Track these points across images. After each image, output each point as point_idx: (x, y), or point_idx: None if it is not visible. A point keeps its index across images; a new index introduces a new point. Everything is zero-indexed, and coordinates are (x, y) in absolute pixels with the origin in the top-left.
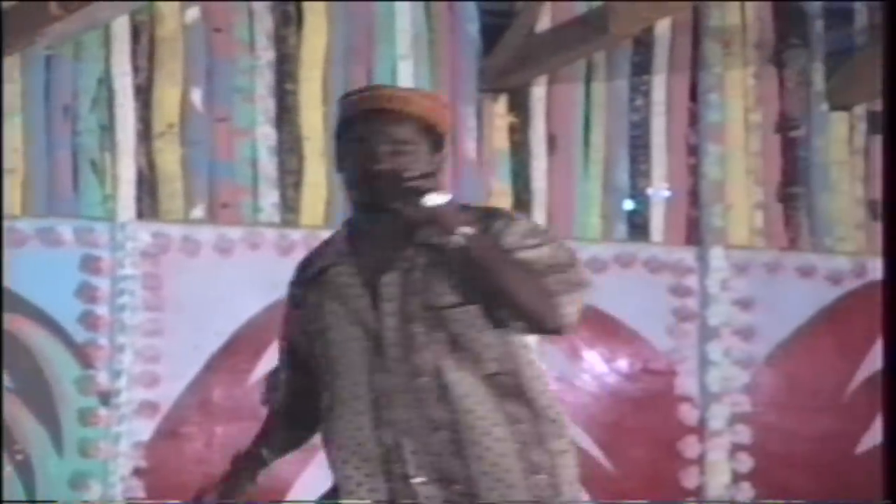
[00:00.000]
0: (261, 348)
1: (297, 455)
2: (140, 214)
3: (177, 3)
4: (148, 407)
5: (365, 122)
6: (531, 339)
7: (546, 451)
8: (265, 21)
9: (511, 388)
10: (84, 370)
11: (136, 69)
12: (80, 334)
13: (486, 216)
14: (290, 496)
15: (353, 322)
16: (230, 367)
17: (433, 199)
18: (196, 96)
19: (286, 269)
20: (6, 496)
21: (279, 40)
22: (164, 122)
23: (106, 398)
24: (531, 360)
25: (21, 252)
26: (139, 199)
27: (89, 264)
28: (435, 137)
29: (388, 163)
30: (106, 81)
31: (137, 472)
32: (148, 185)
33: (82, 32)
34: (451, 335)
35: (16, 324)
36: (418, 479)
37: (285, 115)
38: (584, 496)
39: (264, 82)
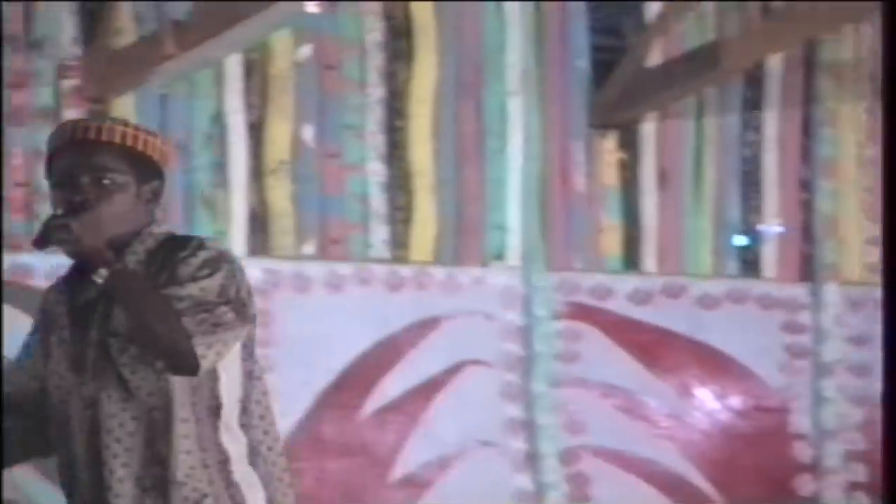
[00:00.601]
0: (371, 384)
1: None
2: (251, 251)
3: (289, 41)
4: None
5: (66, 155)
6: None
7: (165, 498)
8: (376, 58)
9: (160, 426)
10: None
11: (248, 106)
12: None
13: (175, 246)
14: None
15: (62, 353)
16: (340, 403)
17: (88, 238)
18: (307, 133)
19: (396, 306)
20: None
21: (389, 77)
22: (275, 158)
23: None
24: (190, 402)
25: None
26: (250, 236)
27: None
28: (144, 166)
29: (86, 193)
30: (218, 119)
31: None
32: (259, 222)
33: (196, 70)
34: (116, 367)
35: None
36: None
37: (395, 151)
38: None
39: (374, 119)
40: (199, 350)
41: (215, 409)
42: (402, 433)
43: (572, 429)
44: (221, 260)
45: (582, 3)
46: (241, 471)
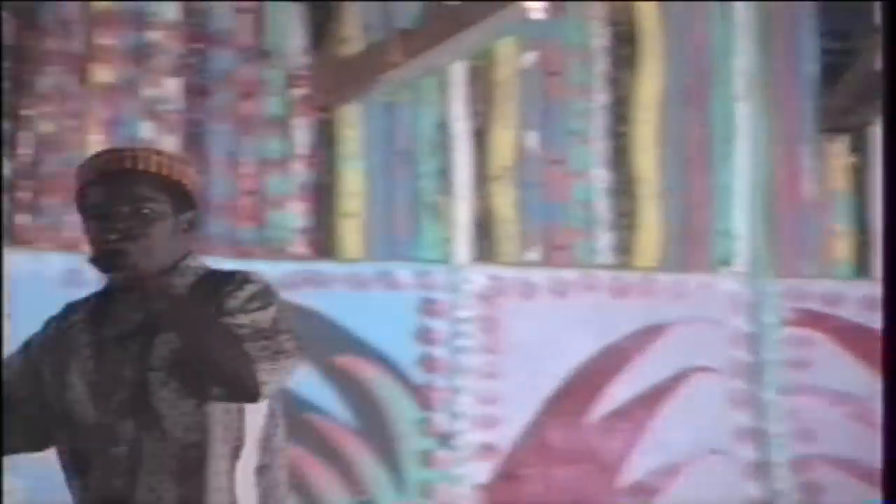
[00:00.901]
0: (596, 390)
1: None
2: (476, 257)
3: (513, 48)
4: (486, 449)
5: (102, 185)
6: (254, 415)
7: None
8: (600, 64)
9: (194, 463)
10: (423, 412)
11: (472, 113)
12: (418, 376)
13: (219, 279)
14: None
15: (84, 385)
16: (566, 410)
17: (144, 263)
18: (531, 139)
19: (621, 312)
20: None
21: (614, 83)
22: (499, 165)
23: (444, 440)
24: (226, 438)
25: (362, 295)
26: (475, 242)
27: (427, 307)
28: (180, 196)
29: (126, 222)
30: (443, 126)
31: None
32: (483, 228)
33: (421, 78)
34: (153, 404)
35: (357, 365)
36: None
37: (620, 157)
38: None
39: (599, 125)
40: (263, 377)
41: (236, 450)
42: (630, 440)
43: (803, 437)
44: (269, 294)
45: (810, 6)
46: None
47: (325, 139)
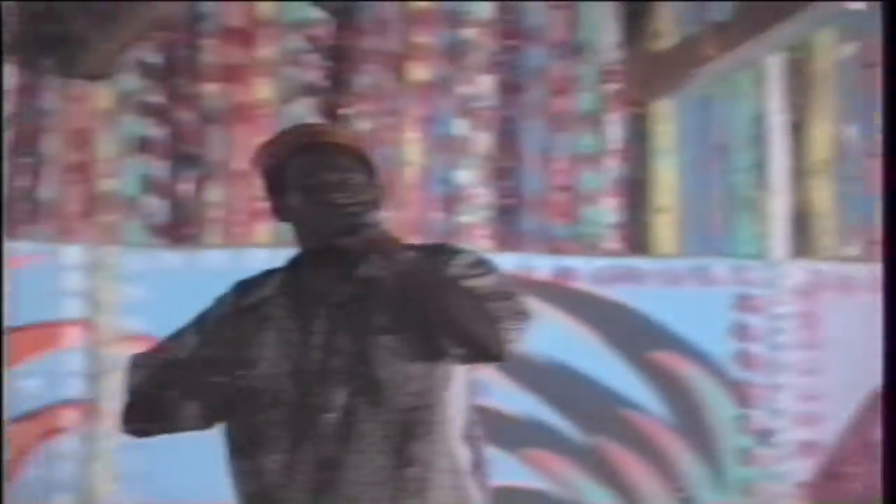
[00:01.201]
0: None
1: None
2: (793, 252)
3: (832, 39)
4: (808, 446)
5: (304, 158)
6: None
7: (423, 500)
8: None
9: (419, 425)
10: (741, 409)
11: (789, 106)
12: (735, 373)
13: (431, 249)
14: None
15: (282, 357)
16: None
17: (373, 229)
18: (850, 132)
19: None
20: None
21: None
22: (818, 158)
23: (764, 437)
24: (451, 401)
25: (677, 290)
26: (792, 237)
27: (743, 302)
28: (369, 167)
29: (336, 191)
30: (759, 119)
31: None
32: (801, 223)
33: (736, 71)
34: (373, 370)
35: (673, 361)
36: None
37: None
38: None
39: None
40: (507, 335)
41: (450, 416)
42: None
43: None
44: (487, 262)
45: None
46: (468, 484)
47: (639, 134)
